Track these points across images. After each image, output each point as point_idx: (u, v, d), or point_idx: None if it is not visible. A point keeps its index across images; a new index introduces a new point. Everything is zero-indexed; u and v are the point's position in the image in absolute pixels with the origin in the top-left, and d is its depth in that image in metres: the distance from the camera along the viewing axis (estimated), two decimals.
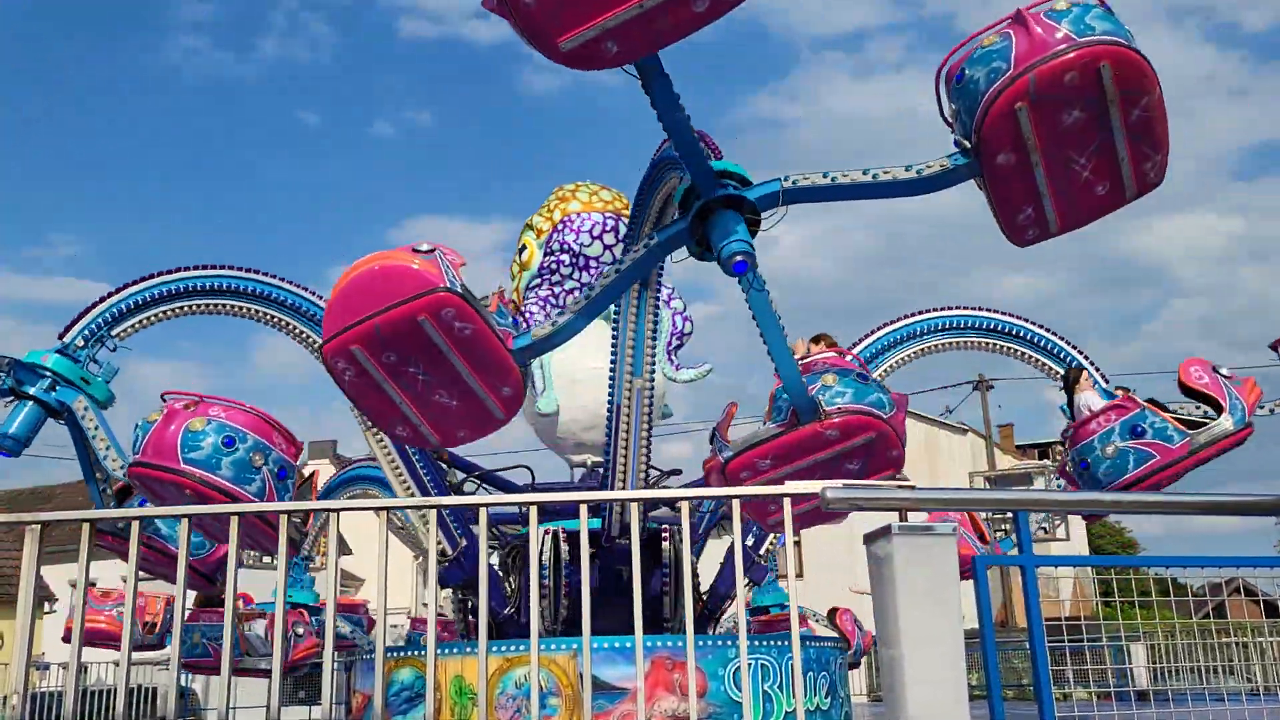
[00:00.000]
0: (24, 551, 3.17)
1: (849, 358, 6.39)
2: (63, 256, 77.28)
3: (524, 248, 8.76)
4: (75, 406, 7.35)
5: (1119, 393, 7.14)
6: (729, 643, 6.58)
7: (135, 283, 7.70)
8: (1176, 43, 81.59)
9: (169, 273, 7.73)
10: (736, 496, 3.04)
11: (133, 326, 7.70)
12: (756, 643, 6.70)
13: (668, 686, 6.33)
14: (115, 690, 3.56)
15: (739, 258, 4.18)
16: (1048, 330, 8.49)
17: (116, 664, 7.86)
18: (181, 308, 7.78)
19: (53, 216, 77.57)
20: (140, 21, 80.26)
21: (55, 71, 76.16)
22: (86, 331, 7.54)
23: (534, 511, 3.00)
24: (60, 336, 7.58)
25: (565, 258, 8.41)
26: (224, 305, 7.88)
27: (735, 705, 6.47)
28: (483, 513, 3.01)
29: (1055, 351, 8.38)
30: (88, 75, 77.96)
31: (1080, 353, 8.33)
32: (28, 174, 75.71)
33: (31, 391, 7.26)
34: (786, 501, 3.00)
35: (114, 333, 7.62)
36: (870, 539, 3.05)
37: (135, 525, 3.17)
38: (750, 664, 6.40)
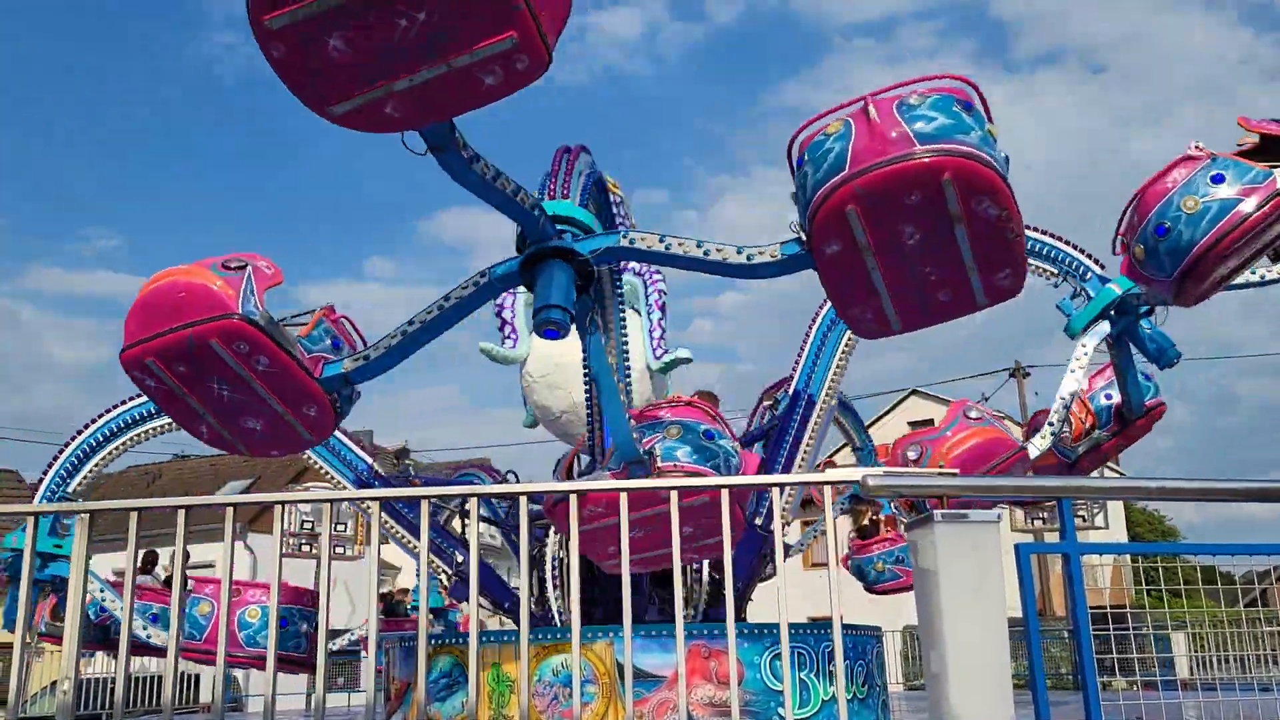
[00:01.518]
0: (74, 540, 3.22)
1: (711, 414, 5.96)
2: (100, 250, 78.63)
3: None
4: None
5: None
6: (765, 631, 6.57)
7: (75, 437, 7.77)
8: (1214, 25, 79.94)
9: (107, 413, 7.77)
10: (777, 484, 3.03)
11: (84, 479, 7.78)
12: (793, 630, 6.69)
13: (703, 674, 6.35)
14: (162, 677, 3.61)
15: (548, 326, 4.05)
16: (1044, 232, 7.87)
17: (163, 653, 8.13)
18: (124, 443, 7.84)
19: (91, 211, 78.91)
20: (176, 17, 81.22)
21: (93, 67, 77.34)
22: (45, 499, 7.57)
23: (524, 501, 3.00)
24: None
25: None
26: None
27: (771, 693, 6.48)
28: (523, 501, 3.02)
29: (1049, 254, 7.80)
30: (125, 70, 79.06)
31: (1080, 250, 7.77)
32: (67, 169, 77.03)
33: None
34: (828, 490, 2.98)
35: (69, 490, 7.65)
36: (912, 526, 3.03)
37: (181, 513, 3.21)
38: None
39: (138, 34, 79.76)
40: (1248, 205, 5.17)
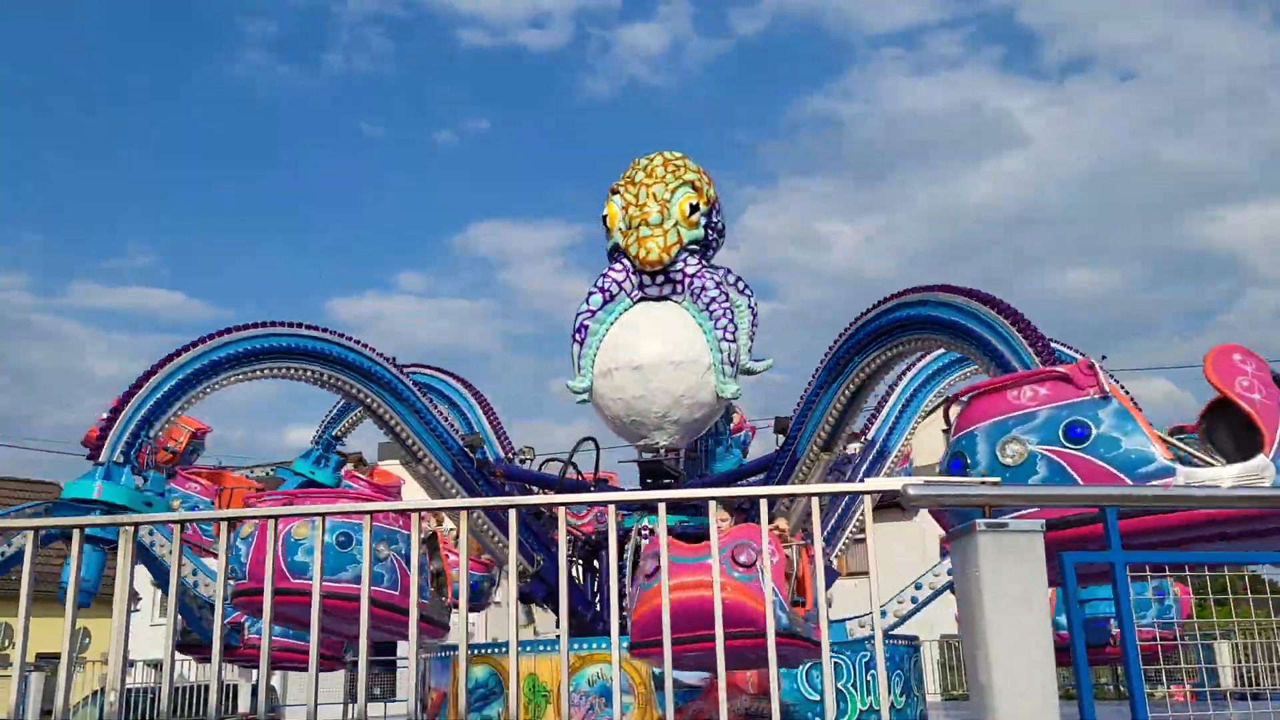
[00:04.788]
0: (119, 551, 3.27)
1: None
2: (139, 266, 79.88)
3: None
4: (145, 540, 6.88)
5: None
6: None
7: (154, 370, 6.76)
8: (1243, 29, 78.69)
9: (190, 347, 6.85)
10: (815, 494, 3.01)
11: (167, 420, 6.87)
12: (830, 641, 6.64)
13: (738, 684, 6.31)
14: (209, 687, 3.64)
15: None
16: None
17: (207, 661, 8.06)
18: (216, 383, 6.92)
19: (130, 228, 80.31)
20: (210, 38, 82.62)
21: (130, 87, 78.84)
22: (122, 444, 6.47)
23: (562, 512, 3.00)
24: (92, 456, 6.48)
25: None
26: (262, 370, 7.15)
27: (807, 703, 6.44)
28: (561, 512, 3.02)
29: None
30: (161, 91, 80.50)
31: (1072, 350, 7.60)
32: (107, 187, 78.50)
33: (92, 533, 6.05)
34: (867, 499, 2.95)
35: (151, 434, 6.66)
36: (955, 537, 2.99)
37: (223, 527, 3.25)
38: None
39: (173, 53, 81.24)
40: None
